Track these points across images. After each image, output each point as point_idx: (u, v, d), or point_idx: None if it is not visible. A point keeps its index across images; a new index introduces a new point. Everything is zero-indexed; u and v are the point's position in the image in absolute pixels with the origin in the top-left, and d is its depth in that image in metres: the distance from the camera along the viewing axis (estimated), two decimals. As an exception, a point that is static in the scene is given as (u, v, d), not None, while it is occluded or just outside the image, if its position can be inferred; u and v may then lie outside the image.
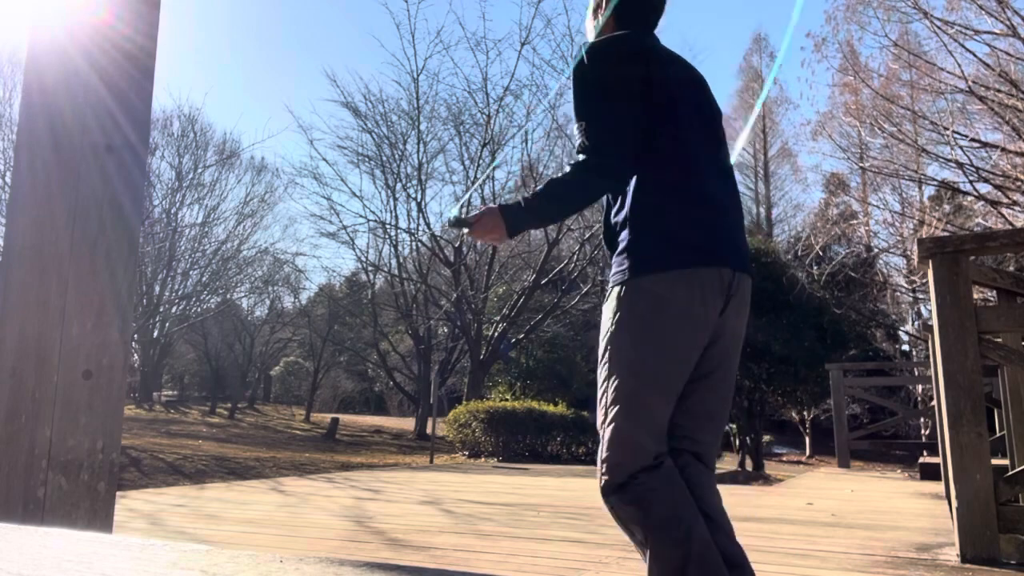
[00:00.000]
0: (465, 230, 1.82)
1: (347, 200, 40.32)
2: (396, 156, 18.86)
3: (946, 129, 10.32)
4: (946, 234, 9.42)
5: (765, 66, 32.27)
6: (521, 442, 11.40)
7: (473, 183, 18.08)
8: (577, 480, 6.66)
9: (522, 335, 17.51)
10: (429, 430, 16.33)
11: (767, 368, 12.32)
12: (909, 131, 11.44)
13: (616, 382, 1.68)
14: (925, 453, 13.25)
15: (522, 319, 17.49)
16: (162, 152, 22.06)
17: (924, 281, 13.01)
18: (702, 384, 1.74)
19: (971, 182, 10.55)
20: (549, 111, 17.79)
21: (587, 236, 17.52)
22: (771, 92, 32.36)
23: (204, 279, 23.96)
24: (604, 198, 1.86)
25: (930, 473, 7.03)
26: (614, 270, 1.77)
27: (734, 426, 13.58)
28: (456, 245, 18.18)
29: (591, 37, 1.91)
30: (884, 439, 16.02)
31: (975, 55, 10.05)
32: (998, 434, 4.31)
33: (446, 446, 12.91)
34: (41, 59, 1.25)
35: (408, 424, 22.26)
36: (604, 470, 1.64)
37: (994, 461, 2.73)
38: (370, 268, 21.71)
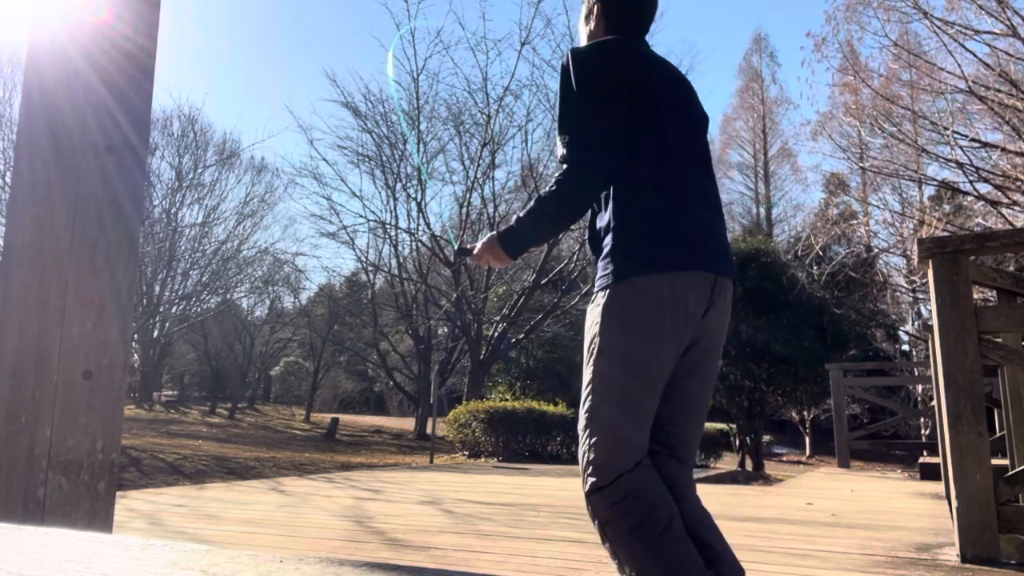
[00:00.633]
0: (468, 259, 1.89)
1: (347, 200, 40.41)
2: (396, 156, 18.87)
3: (946, 129, 10.32)
4: (946, 234, 9.41)
5: (765, 66, 32.28)
6: (521, 442, 11.40)
7: (472, 183, 18.08)
8: (577, 480, 6.66)
9: (522, 335, 17.51)
10: (429, 430, 16.34)
11: (767, 368, 12.33)
12: (909, 131, 11.44)
13: (602, 384, 1.70)
14: (925, 453, 13.25)
15: (522, 319, 17.49)
16: (162, 152, 22.07)
17: (924, 281, 13.02)
18: (681, 385, 1.76)
19: (971, 182, 10.55)
20: (549, 111, 17.77)
21: (587, 236, 17.50)
22: (771, 92, 32.38)
23: (204, 279, 23.96)
24: None
25: (930, 473, 7.03)
26: (599, 274, 1.79)
27: (734, 426, 13.59)
28: (456, 245, 18.17)
29: (584, 43, 1.92)
30: (884, 439, 16.02)
31: (975, 55, 10.05)
32: (998, 434, 4.31)
33: (446, 446, 12.91)
34: (41, 59, 1.25)
35: (408, 424, 22.27)
36: (590, 471, 1.66)
37: (994, 461, 2.73)
38: (370, 268, 21.72)
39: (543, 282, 17.35)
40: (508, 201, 19.41)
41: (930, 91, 10.93)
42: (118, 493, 2.56)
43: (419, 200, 18.41)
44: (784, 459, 19.47)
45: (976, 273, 2.86)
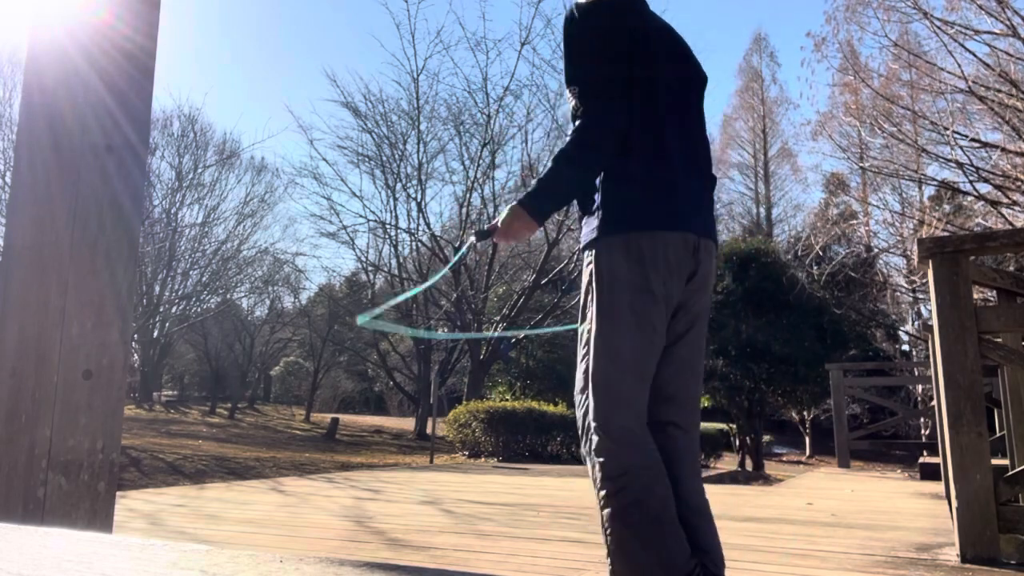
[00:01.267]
0: (491, 239, 1.85)
1: (347, 200, 40.42)
2: (396, 156, 18.87)
3: (946, 129, 10.32)
4: (946, 234, 9.41)
5: (765, 66, 32.28)
6: (521, 442, 11.40)
7: (472, 183, 18.07)
8: (577, 480, 6.66)
9: (522, 335, 17.50)
10: (429, 430, 16.33)
11: (767, 368, 12.33)
12: (909, 131, 11.44)
13: (597, 343, 1.71)
14: (925, 453, 13.25)
15: (522, 319, 17.49)
16: (162, 152, 22.07)
17: (924, 281, 13.01)
18: (674, 349, 1.77)
19: (971, 182, 10.55)
20: (549, 111, 17.78)
21: (587, 236, 17.50)
22: (771, 92, 32.38)
23: (204, 279, 23.96)
24: None
25: (930, 473, 7.03)
26: (585, 230, 1.81)
27: (734, 426, 13.58)
28: (456, 245, 18.17)
29: None
30: (884, 439, 16.02)
31: (975, 55, 10.05)
32: (998, 434, 4.31)
33: (446, 446, 12.91)
34: (41, 59, 1.25)
35: (408, 424, 22.27)
36: (591, 432, 1.67)
37: (994, 461, 2.73)
38: (370, 268, 21.73)
39: (543, 282, 17.34)
40: (508, 201, 19.40)
41: (930, 91, 10.93)
42: (118, 493, 2.56)
43: (419, 200, 18.41)
44: (784, 459, 19.47)
45: (976, 273, 2.86)
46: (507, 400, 14.75)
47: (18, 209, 1.23)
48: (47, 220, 1.20)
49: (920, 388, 17.85)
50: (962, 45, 9.94)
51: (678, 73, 1.87)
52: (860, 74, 11.74)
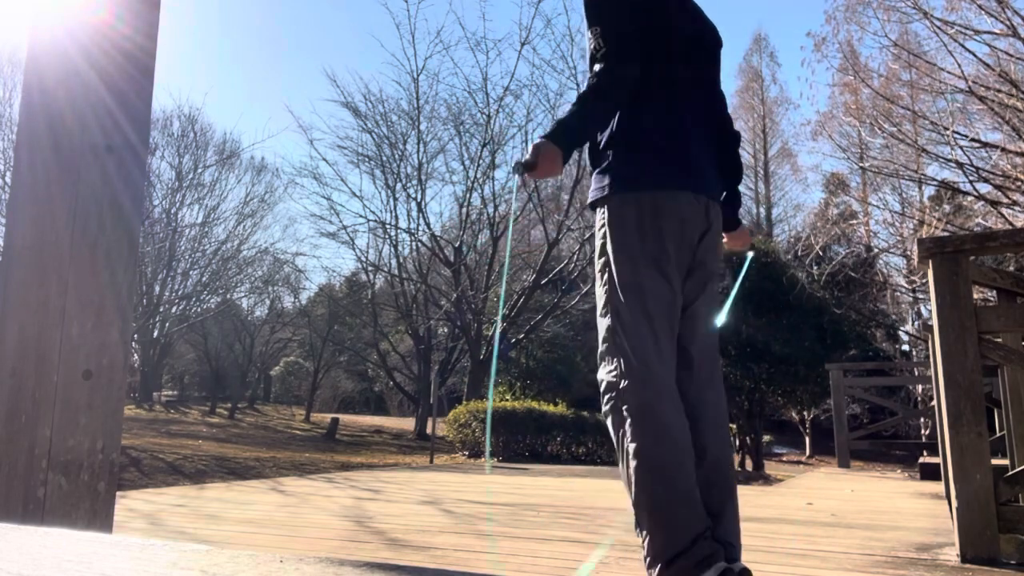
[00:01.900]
0: (526, 174, 1.80)
1: (347, 200, 40.38)
2: (396, 156, 18.87)
3: (946, 129, 10.32)
4: (946, 234, 9.41)
5: (765, 66, 32.27)
6: (521, 442, 11.40)
7: (472, 183, 18.06)
8: (577, 480, 6.66)
9: (522, 335, 17.51)
10: (429, 430, 16.33)
11: (767, 368, 12.33)
12: (909, 131, 11.44)
13: (615, 303, 1.71)
14: (925, 453, 13.25)
15: (522, 319, 17.49)
16: (162, 152, 22.08)
17: (924, 281, 13.01)
18: (689, 310, 1.78)
19: (971, 182, 10.55)
20: (549, 111, 17.77)
21: (587, 236, 17.52)
22: (771, 92, 32.38)
23: (204, 279, 23.96)
24: None
25: (930, 473, 7.03)
26: (594, 186, 1.81)
27: (734, 426, 13.58)
28: (456, 245, 18.18)
29: None
30: (884, 439, 16.02)
31: (975, 55, 10.05)
32: (998, 434, 4.31)
33: (446, 446, 12.91)
34: (41, 59, 1.25)
35: (408, 424, 22.27)
36: (620, 384, 1.67)
37: (994, 461, 2.73)
38: (370, 268, 21.72)
39: (543, 282, 17.34)
40: (508, 201, 19.41)
41: (930, 91, 10.93)
42: (118, 493, 2.56)
43: (419, 200, 18.41)
44: (784, 459, 19.46)
45: (976, 273, 2.86)
46: (507, 400, 14.76)
47: (18, 209, 1.23)
48: (47, 220, 1.20)
49: (920, 388, 17.85)
50: (962, 45, 9.94)
51: (693, 33, 1.88)
52: (860, 74, 11.74)
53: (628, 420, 1.63)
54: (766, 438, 17.11)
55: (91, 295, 1.20)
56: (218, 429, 18.16)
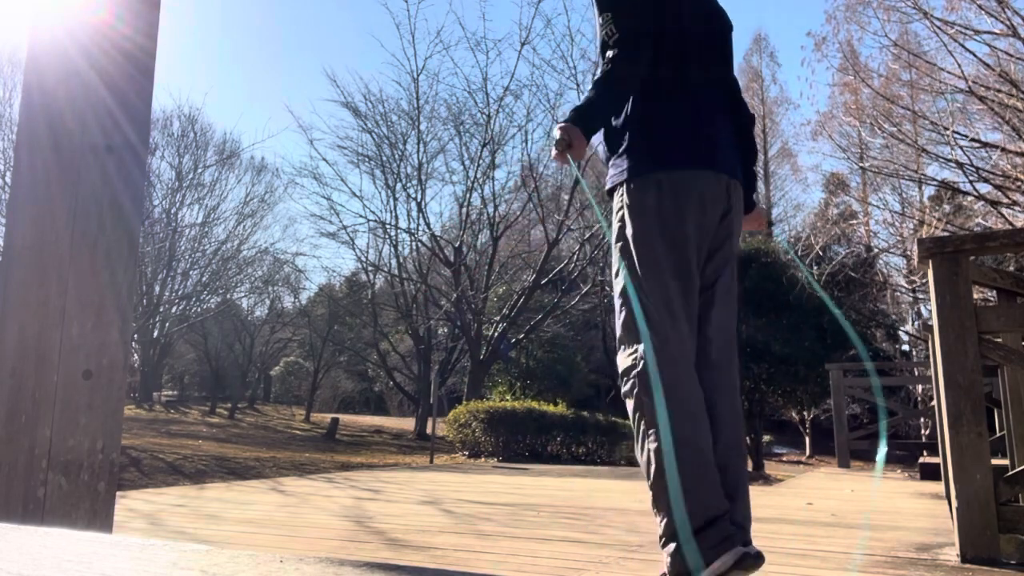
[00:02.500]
0: (555, 151, 1.79)
1: (347, 200, 40.40)
2: (396, 156, 18.87)
3: (946, 129, 10.32)
4: (946, 234, 9.41)
5: (765, 66, 32.26)
6: (521, 442, 11.40)
7: (472, 183, 18.06)
8: (577, 480, 6.66)
9: (522, 335, 17.51)
10: (429, 430, 16.33)
11: (767, 368, 12.33)
12: (909, 131, 11.44)
13: (633, 286, 1.70)
14: (925, 453, 13.25)
15: (522, 319, 17.49)
16: (162, 152, 22.08)
17: (924, 281, 13.01)
18: (707, 293, 1.77)
19: (971, 182, 10.54)
20: (549, 111, 17.78)
21: (587, 236, 17.53)
22: (771, 92, 32.37)
23: (204, 279, 23.96)
24: None
25: (930, 473, 7.03)
26: (612, 172, 1.80)
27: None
28: (456, 245, 18.18)
29: None
30: (884, 439, 15.98)
31: (975, 55, 10.05)
32: (998, 434, 4.31)
33: (446, 446, 12.91)
34: (41, 59, 1.25)
35: (408, 424, 22.26)
36: (638, 366, 1.66)
37: (994, 461, 2.73)
38: (370, 268, 21.72)
39: (543, 282, 17.34)
40: (508, 201, 19.41)
41: (930, 91, 10.93)
42: (118, 493, 2.56)
43: (419, 200, 18.41)
44: (784, 459, 19.46)
45: (976, 273, 2.86)
46: (507, 400, 14.75)
47: (18, 209, 1.23)
48: (47, 220, 1.20)
49: (920, 388, 17.84)
50: (962, 45, 9.94)
51: (703, 15, 1.88)
52: (860, 74, 11.74)
53: (647, 405, 1.63)
54: (766, 438, 17.11)
55: (91, 295, 1.20)
56: (218, 429, 18.16)
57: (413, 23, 25.88)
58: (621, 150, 1.77)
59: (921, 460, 8.44)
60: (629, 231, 1.71)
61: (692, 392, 1.64)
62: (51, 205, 1.21)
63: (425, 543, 3.06)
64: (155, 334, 25.10)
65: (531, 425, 11.43)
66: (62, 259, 1.19)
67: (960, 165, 10.38)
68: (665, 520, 1.61)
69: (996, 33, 9.63)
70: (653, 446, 1.60)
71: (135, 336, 21.98)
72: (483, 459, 11.17)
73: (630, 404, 1.68)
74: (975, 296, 2.88)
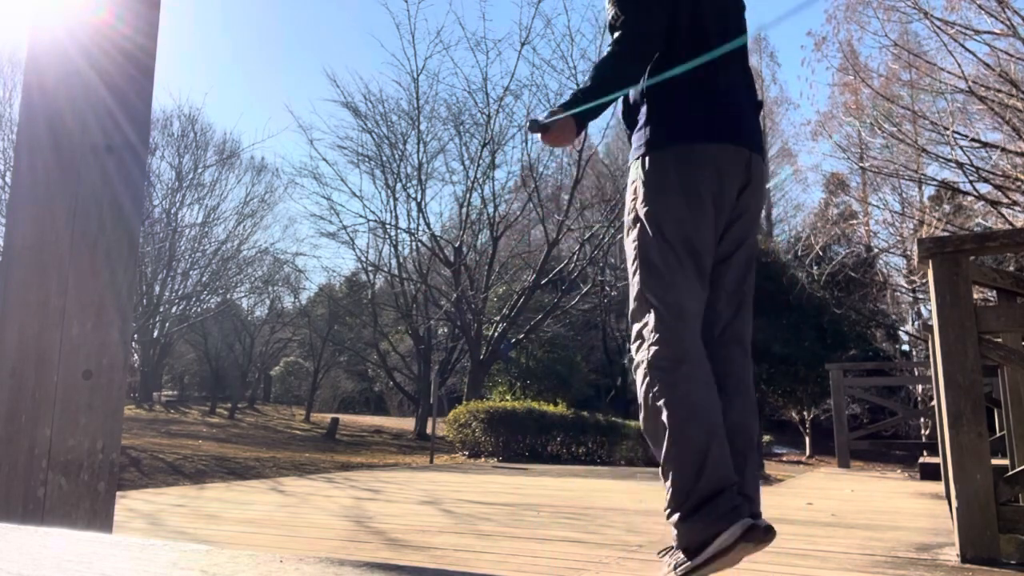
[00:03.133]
0: (538, 135, 1.78)
1: (347, 200, 40.39)
2: (396, 156, 18.87)
3: (946, 129, 10.32)
4: (946, 234, 9.41)
5: (765, 66, 32.25)
6: (521, 442, 11.40)
7: (472, 183, 18.06)
8: (577, 480, 6.66)
9: (522, 335, 17.51)
10: (429, 430, 16.33)
11: (767, 368, 12.34)
12: (909, 131, 11.43)
13: (645, 258, 1.68)
14: (925, 453, 13.24)
15: (522, 319, 17.49)
16: (162, 152, 22.08)
17: (924, 281, 13.01)
18: (720, 268, 1.75)
19: (971, 182, 10.55)
20: (549, 111, 17.75)
21: (587, 236, 17.53)
22: (771, 92, 32.37)
23: (204, 279, 23.96)
24: None
25: (930, 473, 7.03)
26: (633, 145, 1.77)
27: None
28: (456, 245, 18.17)
29: None
30: (884, 439, 16.01)
31: (975, 55, 10.05)
32: (998, 434, 4.31)
33: (446, 446, 12.91)
34: (41, 59, 1.25)
35: (408, 424, 22.26)
36: (643, 330, 1.65)
37: (994, 461, 2.73)
38: (370, 268, 21.72)
39: (543, 282, 17.34)
40: (508, 201, 19.41)
41: (930, 91, 10.93)
42: (118, 493, 2.56)
43: (419, 200, 18.41)
44: (784, 459, 19.44)
45: (976, 273, 2.86)
46: (507, 400, 14.75)
47: (18, 209, 1.23)
48: (47, 220, 1.20)
49: (920, 388, 17.84)
50: (962, 45, 9.94)
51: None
52: (860, 74, 11.74)
53: (657, 374, 1.62)
54: (766, 438, 17.10)
55: (91, 295, 1.20)
56: (218, 429, 18.15)
57: (413, 23, 25.82)
58: (639, 124, 1.75)
59: (921, 460, 8.44)
60: (641, 204, 1.69)
61: (701, 366, 1.63)
62: (51, 205, 1.21)
63: (425, 543, 3.06)
64: (155, 334, 25.10)
65: (531, 425, 11.43)
66: (62, 259, 1.19)
67: (960, 165, 10.38)
68: (672, 490, 1.60)
69: (996, 33, 9.63)
70: (664, 414, 1.59)
71: (135, 336, 21.99)
72: (483, 459, 11.17)
73: (640, 374, 1.67)
74: (975, 296, 2.88)
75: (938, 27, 9.95)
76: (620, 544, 3.01)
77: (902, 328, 20.53)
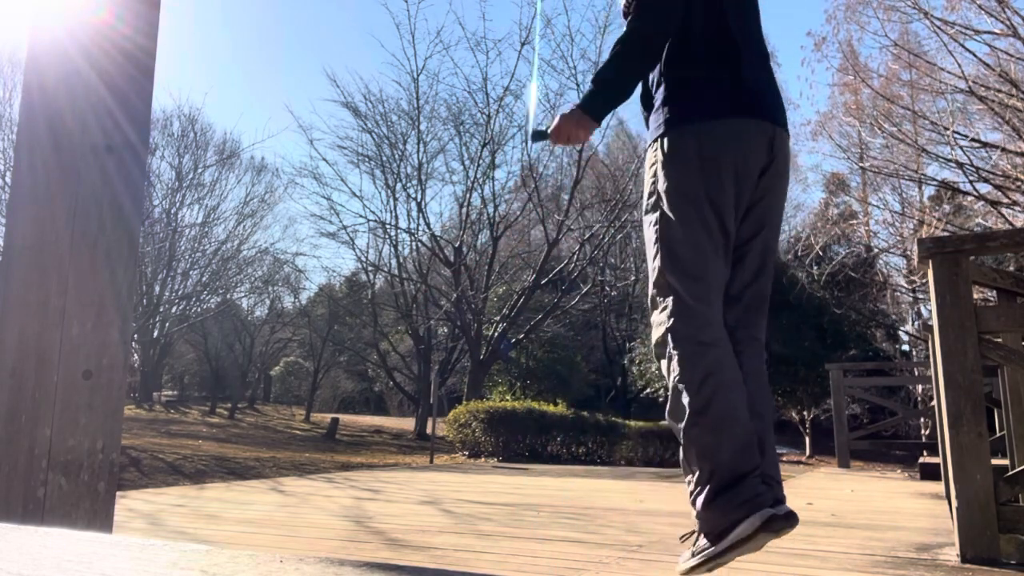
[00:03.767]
0: (545, 142, 1.76)
1: (347, 200, 40.36)
2: (396, 156, 18.87)
3: (946, 129, 10.32)
4: (946, 234, 9.42)
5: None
6: (521, 442, 11.40)
7: (472, 183, 18.06)
8: (577, 480, 6.66)
9: (522, 335, 17.51)
10: (429, 430, 16.32)
11: (767, 368, 12.33)
12: (909, 131, 11.44)
13: (666, 237, 1.64)
14: (925, 453, 13.24)
15: (522, 319, 17.49)
16: (162, 152, 22.09)
17: (924, 281, 13.01)
18: (746, 249, 1.71)
19: (971, 182, 10.55)
20: (549, 111, 17.76)
21: (587, 236, 17.53)
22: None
23: (204, 279, 23.96)
24: None
25: (930, 473, 7.03)
26: (652, 126, 1.72)
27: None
28: (456, 245, 18.18)
29: None
30: (884, 439, 16.00)
31: (975, 55, 10.06)
32: (998, 434, 4.31)
33: (446, 446, 12.91)
34: (41, 59, 1.25)
35: (408, 424, 22.26)
36: (664, 316, 1.62)
37: (994, 461, 2.73)
38: (370, 268, 21.73)
39: (543, 282, 17.35)
40: (508, 201, 19.41)
41: (930, 91, 10.93)
42: (118, 493, 2.56)
43: (419, 200, 18.42)
44: (784, 459, 19.43)
45: (976, 273, 2.86)
46: (507, 400, 14.75)
47: (18, 209, 1.23)
48: (47, 220, 1.20)
49: (920, 388, 17.84)
50: (962, 45, 9.94)
51: None
52: (860, 74, 11.75)
53: (678, 360, 1.60)
54: (766, 438, 17.08)
55: (91, 295, 1.20)
56: (218, 429, 18.15)
57: (413, 23, 25.84)
58: (657, 105, 1.70)
59: (921, 460, 8.44)
60: (660, 186, 1.65)
61: (724, 348, 1.61)
62: (51, 205, 1.21)
63: (425, 543, 3.06)
64: (155, 334, 25.10)
65: (531, 425, 11.43)
66: (62, 259, 1.19)
67: (960, 165, 10.38)
68: (695, 476, 1.58)
69: (996, 33, 9.63)
70: (686, 400, 1.57)
71: (135, 336, 21.99)
72: (483, 459, 11.17)
73: (663, 363, 1.64)
74: (975, 296, 2.88)
75: (938, 27, 9.96)
76: (620, 544, 3.01)
77: (902, 328, 20.53)
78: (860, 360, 15.19)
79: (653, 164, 1.68)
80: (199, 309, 25.04)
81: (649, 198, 1.69)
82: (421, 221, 18.50)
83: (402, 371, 23.61)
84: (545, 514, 4.09)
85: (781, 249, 16.78)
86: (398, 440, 18.64)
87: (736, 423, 1.56)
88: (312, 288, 27.88)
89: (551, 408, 12.18)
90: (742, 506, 1.51)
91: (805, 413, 19.77)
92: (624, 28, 1.68)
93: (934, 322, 2.88)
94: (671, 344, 1.62)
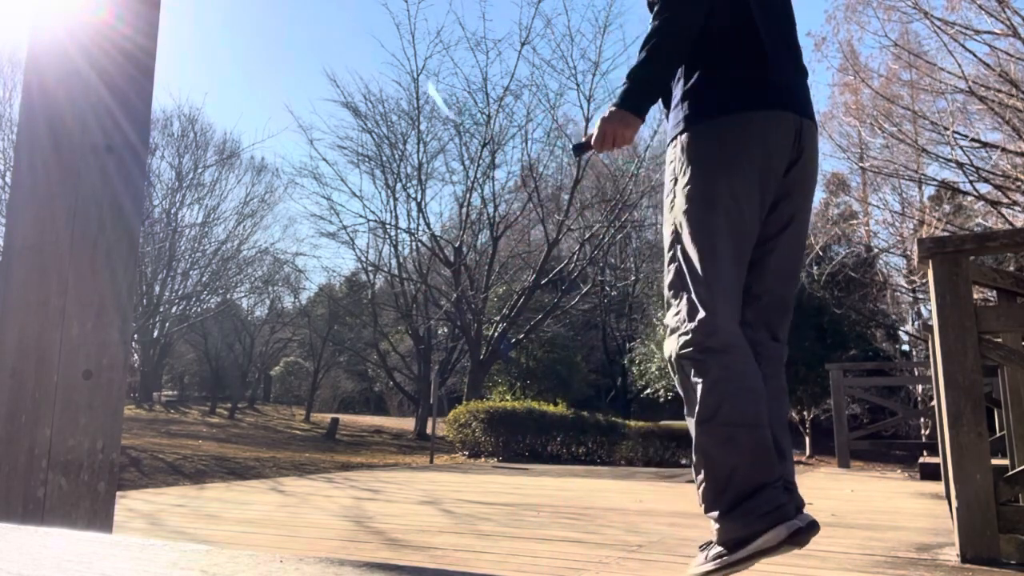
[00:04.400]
0: (591, 152, 1.70)
1: (347, 200, 40.44)
2: (396, 156, 18.87)
3: (946, 129, 10.33)
4: (946, 234, 9.41)
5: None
6: (521, 442, 11.40)
7: (472, 183, 18.06)
8: (577, 480, 6.66)
9: (522, 335, 17.51)
10: (429, 430, 16.32)
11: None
12: (909, 131, 11.44)
13: (686, 234, 1.58)
14: (925, 453, 13.24)
15: (522, 319, 17.49)
16: (162, 152, 22.09)
17: (924, 281, 13.01)
18: (772, 246, 1.65)
19: (971, 182, 10.55)
20: (549, 111, 17.77)
21: (587, 236, 17.53)
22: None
23: (204, 279, 23.97)
24: None
25: (930, 473, 7.02)
26: (671, 123, 1.67)
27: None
28: (456, 245, 18.18)
29: None
30: (884, 439, 16.00)
31: (975, 55, 10.06)
32: (998, 434, 4.31)
33: (446, 446, 12.90)
34: (41, 59, 1.25)
35: (408, 424, 22.26)
36: (680, 318, 1.57)
37: (994, 461, 2.73)
38: (370, 268, 21.73)
39: (543, 282, 17.35)
40: (508, 201, 19.41)
41: (930, 91, 10.94)
42: (118, 493, 2.56)
43: (419, 200, 18.42)
44: (784, 459, 19.42)
45: (976, 273, 2.86)
46: (507, 400, 14.75)
47: (18, 209, 1.23)
48: (47, 220, 1.20)
49: (920, 388, 17.84)
50: (962, 45, 9.95)
51: None
52: (860, 74, 11.75)
53: (694, 364, 1.54)
54: (766, 438, 17.08)
55: (91, 295, 1.20)
56: (218, 429, 18.15)
57: (413, 23, 25.82)
58: (676, 100, 1.64)
59: (921, 460, 8.44)
60: (681, 185, 1.59)
61: (741, 351, 1.55)
62: (51, 205, 1.21)
63: (425, 543, 3.06)
64: (155, 334, 25.10)
65: (531, 425, 11.43)
66: (62, 259, 1.19)
67: (960, 165, 10.38)
68: (703, 487, 1.52)
69: (996, 33, 9.63)
70: (699, 407, 1.52)
71: (135, 336, 21.99)
72: (483, 459, 11.17)
73: (678, 366, 1.59)
74: (975, 296, 2.88)
75: (938, 27, 9.96)
76: (620, 544, 3.01)
77: (902, 328, 20.52)
78: (860, 360, 15.19)
79: (672, 162, 1.64)
80: (199, 309, 25.04)
81: (668, 196, 1.65)
82: (421, 221, 18.52)
83: (402, 371, 23.61)
84: (545, 514, 4.09)
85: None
86: (398, 440, 18.64)
87: (747, 430, 1.50)
88: (312, 288, 27.91)
89: (551, 408, 12.18)
90: (764, 517, 1.45)
91: (805, 413, 19.77)
92: (653, 21, 1.61)
93: (934, 322, 2.88)
94: (687, 349, 1.57)
